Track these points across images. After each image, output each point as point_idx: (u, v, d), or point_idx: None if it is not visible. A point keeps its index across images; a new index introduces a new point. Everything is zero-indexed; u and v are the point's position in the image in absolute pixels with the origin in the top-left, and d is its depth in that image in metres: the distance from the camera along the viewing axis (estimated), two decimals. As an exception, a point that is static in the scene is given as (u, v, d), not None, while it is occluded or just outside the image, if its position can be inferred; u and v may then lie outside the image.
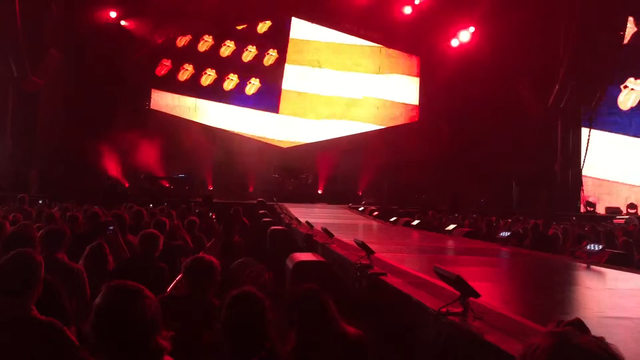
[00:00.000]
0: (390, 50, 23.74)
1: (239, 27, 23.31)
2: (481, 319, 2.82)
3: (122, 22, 21.30)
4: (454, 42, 21.92)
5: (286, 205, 15.22)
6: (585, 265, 5.83)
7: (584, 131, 20.21)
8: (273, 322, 2.82)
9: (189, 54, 23.40)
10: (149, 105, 23.29)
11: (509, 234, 9.22)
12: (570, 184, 20.32)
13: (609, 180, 20.01)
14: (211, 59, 23.42)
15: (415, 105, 23.76)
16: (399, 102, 23.77)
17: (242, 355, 2.71)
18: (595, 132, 19.99)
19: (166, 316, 2.21)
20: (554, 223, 11.78)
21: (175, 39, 23.22)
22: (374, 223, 12.83)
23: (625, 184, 19.77)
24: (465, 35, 21.66)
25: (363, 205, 18.36)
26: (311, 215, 11.46)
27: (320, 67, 23.49)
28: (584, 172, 20.15)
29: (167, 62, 23.32)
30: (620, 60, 19.53)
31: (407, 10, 21.94)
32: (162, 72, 23.34)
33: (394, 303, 3.77)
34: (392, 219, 13.22)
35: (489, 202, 18.89)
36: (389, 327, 3.90)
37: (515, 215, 14.35)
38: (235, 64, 23.37)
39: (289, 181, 21.18)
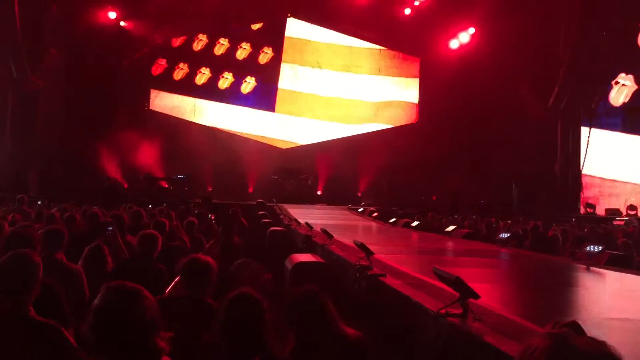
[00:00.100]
0: (390, 52, 23.74)
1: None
2: (481, 320, 2.82)
3: (122, 23, 21.29)
4: (454, 43, 21.91)
5: (286, 206, 15.23)
6: (585, 266, 5.83)
7: (584, 132, 20.18)
8: (272, 323, 2.81)
9: (184, 52, 23.30)
10: (148, 105, 23.28)
11: (508, 235, 9.22)
12: (570, 185, 20.31)
13: (604, 178, 19.97)
14: (205, 57, 23.30)
15: (415, 107, 23.76)
16: (399, 103, 23.76)
17: (240, 357, 2.71)
18: (593, 132, 19.97)
19: (165, 317, 2.21)
20: (554, 224, 11.79)
21: (171, 38, 23.15)
22: (374, 224, 12.85)
23: (622, 182, 19.75)
24: (465, 36, 21.67)
25: (362, 206, 18.38)
26: (310, 216, 11.48)
27: (320, 67, 23.48)
28: (583, 172, 20.13)
29: (162, 62, 23.26)
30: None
31: (407, 11, 21.95)
32: (158, 71, 23.29)
33: (394, 304, 3.77)
34: (392, 220, 13.24)
35: (488, 203, 18.90)
36: (389, 328, 3.90)
37: (515, 216, 14.36)
38: (229, 62, 23.25)
39: (289, 182, 21.18)
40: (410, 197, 19.74)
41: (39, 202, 13.62)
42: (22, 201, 10.60)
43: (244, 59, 23.36)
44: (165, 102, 23.32)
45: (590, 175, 20.04)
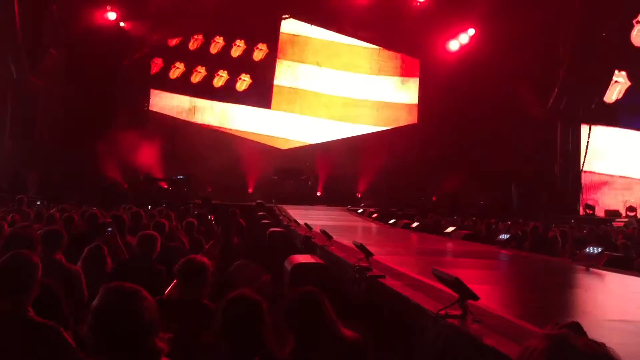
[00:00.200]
0: (390, 52, 23.74)
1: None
2: (480, 321, 2.82)
3: (122, 24, 21.28)
4: (454, 44, 21.91)
5: (285, 207, 15.23)
6: (585, 268, 5.83)
7: (584, 132, 20.20)
8: (271, 324, 2.81)
9: (179, 51, 23.22)
10: (147, 106, 23.27)
11: (508, 236, 9.22)
12: (570, 186, 20.32)
13: (603, 174, 20.00)
14: (201, 56, 23.23)
15: (415, 107, 23.75)
16: (399, 104, 23.76)
17: (240, 357, 2.71)
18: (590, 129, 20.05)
19: (163, 318, 2.20)
20: (553, 225, 11.79)
21: (168, 37, 23.11)
22: (373, 225, 12.86)
23: (621, 176, 19.79)
24: (464, 37, 21.67)
25: (362, 207, 18.36)
26: (310, 217, 11.49)
27: (319, 66, 23.46)
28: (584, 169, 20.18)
29: (159, 61, 23.22)
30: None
31: (407, 11, 21.93)
32: (154, 70, 23.23)
33: (393, 305, 3.77)
34: (391, 221, 13.24)
35: (488, 204, 18.89)
36: (388, 329, 3.90)
37: (514, 217, 14.35)
38: (224, 60, 23.17)
39: (289, 183, 21.17)
40: (409, 198, 19.73)
41: (38, 203, 13.62)
42: (22, 201, 10.59)
43: (239, 56, 23.30)
44: (165, 102, 23.29)
45: (591, 172, 20.13)
